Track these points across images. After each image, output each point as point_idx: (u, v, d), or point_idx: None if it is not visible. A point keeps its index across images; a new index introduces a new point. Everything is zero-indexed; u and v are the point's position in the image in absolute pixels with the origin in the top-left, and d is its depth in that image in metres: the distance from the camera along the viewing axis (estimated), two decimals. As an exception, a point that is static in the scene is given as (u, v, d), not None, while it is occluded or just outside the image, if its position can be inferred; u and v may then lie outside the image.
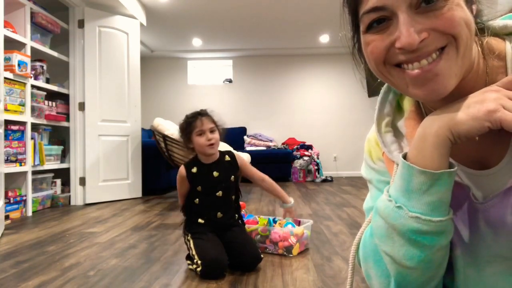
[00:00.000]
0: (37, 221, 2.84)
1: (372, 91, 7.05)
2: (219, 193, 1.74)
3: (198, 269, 1.53)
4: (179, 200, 1.82)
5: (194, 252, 1.60)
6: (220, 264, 1.53)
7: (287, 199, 1.91)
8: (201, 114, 1.81)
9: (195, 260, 1.57)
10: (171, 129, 3.70)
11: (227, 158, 1.83)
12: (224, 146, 3.76)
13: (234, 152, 1.92)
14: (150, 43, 6.35)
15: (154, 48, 6.65)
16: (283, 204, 1.91)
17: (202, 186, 1.73)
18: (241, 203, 2.07)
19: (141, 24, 4.41)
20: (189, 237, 1.69)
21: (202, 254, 1.55)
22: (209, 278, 1.50)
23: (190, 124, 1.77)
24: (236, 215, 1.82)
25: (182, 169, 1.76)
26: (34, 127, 3.28)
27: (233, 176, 1.80)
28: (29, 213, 3.09)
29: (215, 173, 1.75)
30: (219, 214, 1.73)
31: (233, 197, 1.81)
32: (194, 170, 1.75)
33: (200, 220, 1.72)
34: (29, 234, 2.38)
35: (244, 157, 3.84)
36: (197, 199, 1.74)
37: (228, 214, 1.77)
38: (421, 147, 0.54)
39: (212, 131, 1.75)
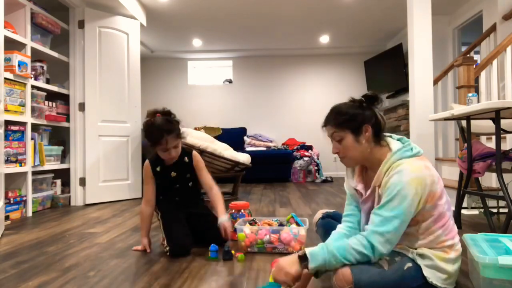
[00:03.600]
0: (37, 221, 2.84)
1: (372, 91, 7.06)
2: (177, 186, 2.04)
3: (167, 249, 1.83)
4: (144, 194, 2.05)
5: (163, 235, 1.90)
6: (185, 247, 1.84)
7: (221, 214, 1.94)
8: (168, 131, 1.84)
9: (164, 242, 1.87)
10: (171, 130, 3.70)
11: (186, 159, 2.03)
12: (222, 147, 3.75)
13: (194, 153, 2.06)
14: (150, 44, 6.36)
15: (154, 49, 6.66)
16: (218, 219, 1.94)
17: (162, 182, 2.02)
18: (244, 203, 2.24)
19: (141, 25, 4.42)
20: (159, 216, 2.01)
21: (170, 238, 1.85)
22: (177, 257, 1.80)
23: (155, 139, 1.85)
24: (196, 198, 2.14)
25: (147, 167, 2.00)
26: (34, 127, 3.28)
27: (189, 174, 2.04)
28: (29, 214, 3.09)
29: (173, 173, 2.01)
30: (177, 199, 2.05)
31: (190, 184, 2.06)
32: (158, 169, 1.99)
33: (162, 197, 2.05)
34: (29, 235, 2.38)
35: (244, 158, 3.85)
36: (160, 187, 2.04)
37: (186, 198, 2.07)
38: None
39: (175, 147, 1.89)
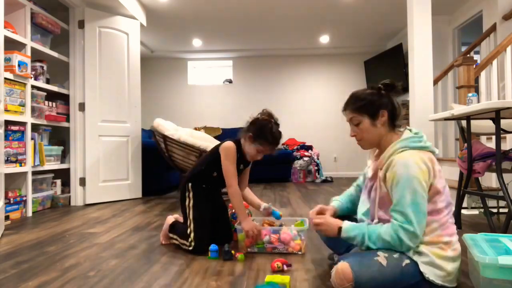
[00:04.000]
0: (37, 221, 2.84)
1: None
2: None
3: (189, 248, 1.85)
4: (231, 176, 1.89)
5: (191, 228, 1.89)
6: (207, 245, 1.83)
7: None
8: (277, 143, 1.93)
9: (189, 239, 1.86)
10: (171, 130, 3.70)
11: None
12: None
13: None
14: (150, 44, 6.36)
15: (154, 49, 6.66)
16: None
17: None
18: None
19: (141, 25, 4.42)
20: (190, 204, 1.95)
21: (198, 234, 1.87)
22: (196, 253, 1.84)
23: (270, 142, 1.89)
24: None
25: (235, 150, 1.91)
26: (34, 127, 3.28)
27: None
28: (29, 214, 3.09)
29: (241, 166, 2.02)
30: (216, 194, 2.09)
31: None
32: (237, 156, 1.94)
33: (204, 186, 1.99)
34: (29, 235, 2.38)
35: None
36: (216, 173, 1.95)
37: (220, 191, 2.14)
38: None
39: (264, 154, 1.96)
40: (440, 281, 1.23)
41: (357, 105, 1.39)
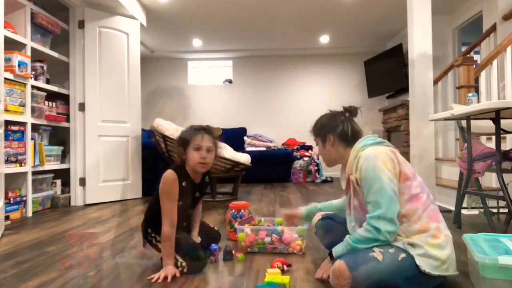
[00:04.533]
0: (37, 221, 2.84)
1: (372, 92, 7.04)
2: (190, 211, 1.81)
3: (184, 265, 1.57)
4: (163, 215, 1.60)
5: (177, 257, 1.60)
6: (201, 258, 1.63)
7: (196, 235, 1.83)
8: (206, 130, 1.73)
9: (179, 262, 1.58)
10: (171, 130, 3.70)
11: (207, 179, 1.85)
12: (222, 147, 3.74)
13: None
14: (150, 44, 6.36)
15: (154, 49, 6.66)
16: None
17: (183, 203, 1.67)
18: (244, 202, 2.17)
19: (141, 25, 4.42)
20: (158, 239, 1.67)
21: (183, 254, 1.60)
22: (195, 273, 1.58)
23: (191, 135, 1.69)
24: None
25: (174, 176, 1.62)
26: (34, 127, 3.28)
27: (200, 197, 1.84)
28: (29, 214, 3.09)
29: (197, 194, 1.78)
30: (185, 225, 1.79)
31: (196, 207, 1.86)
32: (184, 184, 1.67)
33: None
34: (29, 235, 2.38)
35: (244, 158, 3.84)
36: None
37: (190, 223, 1.84)
38: None
39: (208, 151, 1.69)
40: (437, 271, 1.23)
41: (313, 129, 1.60)
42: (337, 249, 1.38)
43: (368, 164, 1.32)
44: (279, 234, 1.85)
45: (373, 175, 1.30)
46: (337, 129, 1.52)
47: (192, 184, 1.72)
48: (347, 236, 1.36)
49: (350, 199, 1.46)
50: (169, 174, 1.62)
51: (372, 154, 1.34)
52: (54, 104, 3.55)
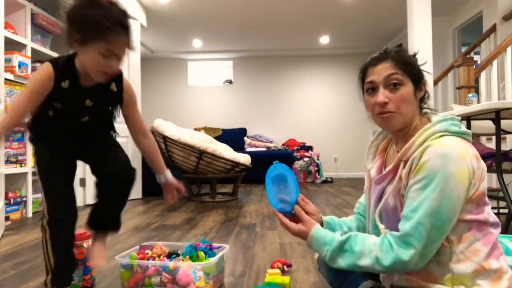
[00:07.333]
0: (37, 222, 2.84)
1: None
2: (85, 119, 1.31)
3: (45, 220, 1.27)
4: (18, 110, 1.22)
5: (43, 197, 1.32)
6: (70, 222, 1.31)
7: (162, 169, 1.42)
8: (125, 27, 1.17)
9: (45, 212, 1.28)
10: (172, 130, 3.70)
11: (113, 87, 1.30)
12: (222, 147, 3.75)
13: (126, 81, 1.34)
14: (150, 44, 6.36)
15: (154, 49, 6.66)
16: (159, 176, 1.43)
17: (65, 108, 1.25)
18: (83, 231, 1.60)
19: (141, 25, 4.42)
20: (36, 161, 1.37)
21: (51, 203, 1.30)
22: (57, 231, 1.28)
23: (102, 29, 1.14)
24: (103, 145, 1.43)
25: (50, 71, 1.20)
26: (35, 128, 3.28)
27: (110, 108, 1.36)
28: (29, 214, 3.10)
29: (88, 102, 1.27)
30: (79, 137, 1.34)
31: (104, 123, 1.39)
32: (65, 84, 1.22)
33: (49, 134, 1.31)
34: (29, 235, 2.38)
35: (244, 158, 3.84)
36: (51, 112, 1.26)
37: (89, 142, 1.38)
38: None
39: (119, 58, 1.20)
40: None
41: (405, 61, 0.98)
42: (319, 240, 0.97)
43: (440, 165, 0.83)
44: (171, 273, 1.31)
45: (441, 186, 0.82)
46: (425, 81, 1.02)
47: (77, 87, 1.24)
48: (345, 236, 0.94)
49: (382, 197, 0.99)
50: (44, 67, 1.22)
51: (455, 154, 0.84)
52: (54, 104, 3.55)
